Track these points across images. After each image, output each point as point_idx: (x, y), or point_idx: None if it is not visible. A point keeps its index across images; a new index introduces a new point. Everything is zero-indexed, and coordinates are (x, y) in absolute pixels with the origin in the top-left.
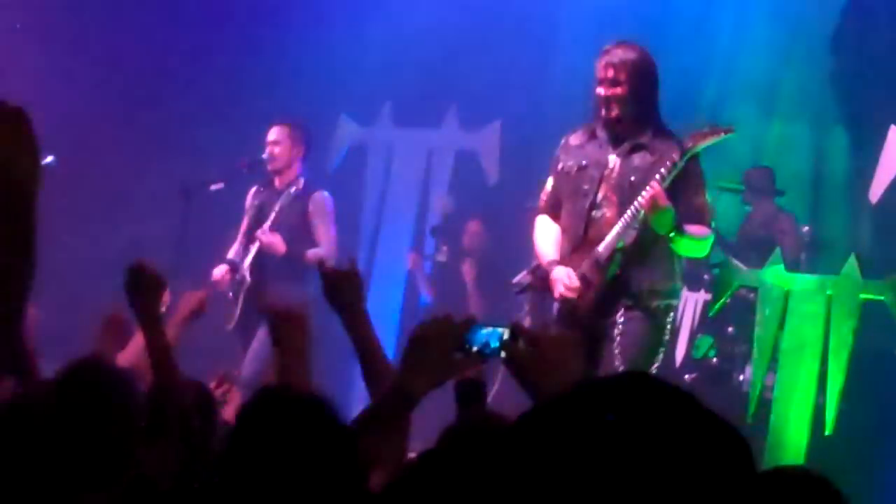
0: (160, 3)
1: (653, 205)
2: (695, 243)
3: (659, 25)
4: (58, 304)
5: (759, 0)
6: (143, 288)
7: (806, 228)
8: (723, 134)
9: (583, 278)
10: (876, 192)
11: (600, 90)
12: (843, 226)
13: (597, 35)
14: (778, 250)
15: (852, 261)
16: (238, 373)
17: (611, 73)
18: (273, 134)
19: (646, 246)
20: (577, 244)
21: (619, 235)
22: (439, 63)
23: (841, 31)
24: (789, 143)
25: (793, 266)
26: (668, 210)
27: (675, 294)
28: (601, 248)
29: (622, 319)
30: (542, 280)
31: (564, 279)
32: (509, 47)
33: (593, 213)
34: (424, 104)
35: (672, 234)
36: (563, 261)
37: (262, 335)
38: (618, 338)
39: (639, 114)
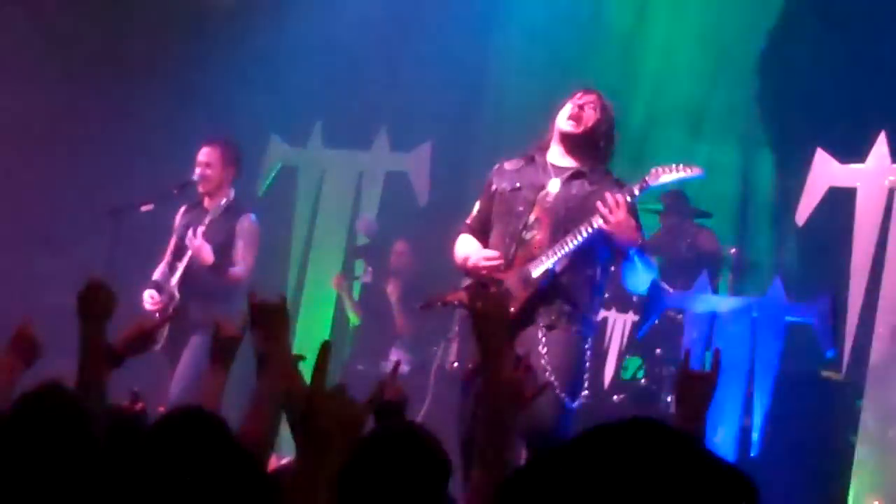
0: (86, 16)
1: (617, 219)
2: (646, 271)
3: (588, 48)
4: None
5: (686, 23)
6: (93, 309)
7: (733, 250)
8: (689, 172)
9: (507, 291)
10: (802, 214)
11: (576, 106)
12: (770, 247)
13: (527, 57)
14: (705, 273)
15: (777, 283)
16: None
17: (593, 98)
18: (204, 154)
19: (572, 274)
20: (505, 264)
21: (556, 255)
22: (370, 84)
23: (767, 53)
24: (716, 165)
25: (715, 284)
26: (631, 222)
27: (589, 326)
28: (532, 266)
29: (544, 339)
30: (454, 295)
31: (488, 256)
32: (440, 70)
33: (524, 234)
34: (355, 125)
35: (634, 251)
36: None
37: (187, 356)
38: (544, 350)
39: (594, 145)
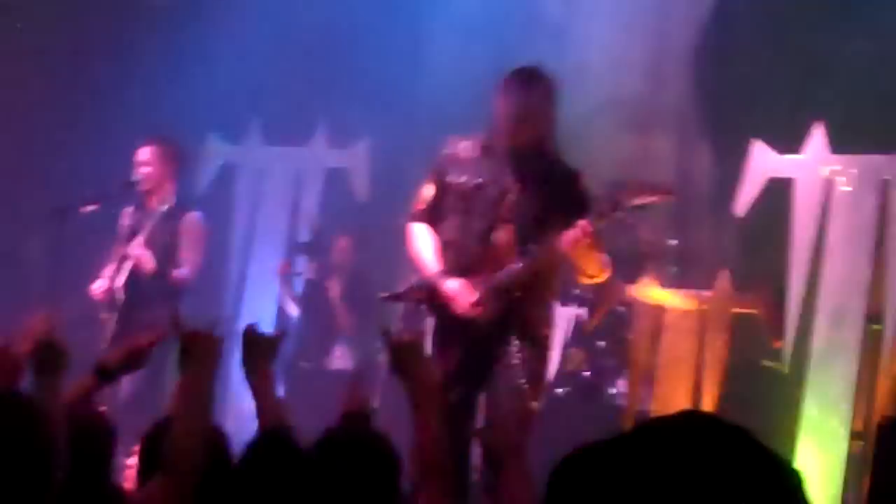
0: (22, 13)
1: (582, 249)
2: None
3: (524, 39)
4: None
5: (620, 14)
6: (45, 367)
7: (674, 242)
8: (663, 197)
9: (479, 301)
10: (742, 205)
11: (509, 116)
12: (710, 240)
13: (463, 50)
14: (650, 266)
15: (724, 275)
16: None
17: (522, 103)
18: (143, 154)
19: (537, 276)
20: (470, 265)
21: (528, 271)
22: (308, 81)
23: (703, 45)
24: (652, 158)
25: (660, 276)
26: (596, 252)
27: (552, 321)
28: (505, 277)
29: (517, 346)
30: (421, 292)
31: (466, 294)
32: (376, 64)
33: (491, 235)
34: (293, 122)
35: (598, 274)
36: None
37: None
38: (518, 358)
39: (541, 141)
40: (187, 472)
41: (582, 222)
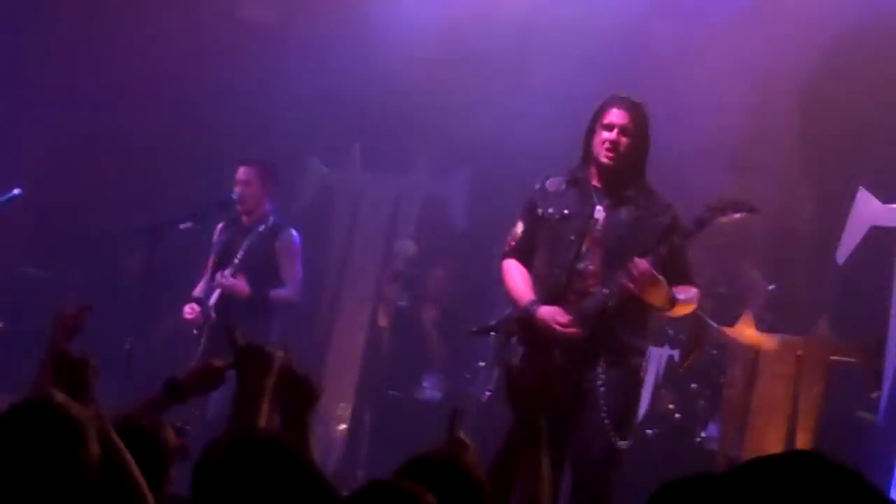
0: (127, 40)
1: (642, 284)
2: (685, 307)
3: (630, 76)
4: (18, 338)
5: (726, 54)
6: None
7: (771, 287)
8: (746, 212)
9: (572, 323)
10: (843, 252)
11: (609, 134)
12: (810, 285)
13: (568, 84)
14: (749, 309)
15: (823, 322)
16: (198, 413)
17: (625, 121)
18: (242, 173)
19: (627, 303)
20: (558, 294)
21: (610, 298)
22: (410, 107)
23: (811, 89)
24: (754, 201)
25: (758, 324)
26: (660, 286)
27: (645, 351)
28: (590, 306)
29: (603, 375)
30: (512, 325)
31: (556, 317)
32: (481, 94)
33: (576, 264)
34: (394, 148)
35: (664, 307)
36: None
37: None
38: (601, 389)
39: (634, 168)
40: None
41: (637, 260)
